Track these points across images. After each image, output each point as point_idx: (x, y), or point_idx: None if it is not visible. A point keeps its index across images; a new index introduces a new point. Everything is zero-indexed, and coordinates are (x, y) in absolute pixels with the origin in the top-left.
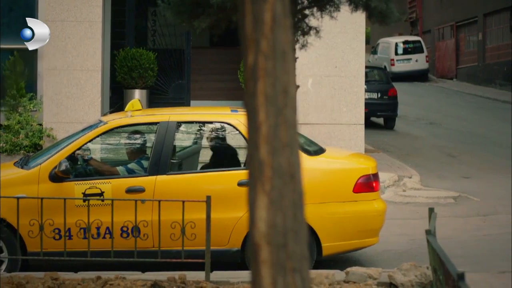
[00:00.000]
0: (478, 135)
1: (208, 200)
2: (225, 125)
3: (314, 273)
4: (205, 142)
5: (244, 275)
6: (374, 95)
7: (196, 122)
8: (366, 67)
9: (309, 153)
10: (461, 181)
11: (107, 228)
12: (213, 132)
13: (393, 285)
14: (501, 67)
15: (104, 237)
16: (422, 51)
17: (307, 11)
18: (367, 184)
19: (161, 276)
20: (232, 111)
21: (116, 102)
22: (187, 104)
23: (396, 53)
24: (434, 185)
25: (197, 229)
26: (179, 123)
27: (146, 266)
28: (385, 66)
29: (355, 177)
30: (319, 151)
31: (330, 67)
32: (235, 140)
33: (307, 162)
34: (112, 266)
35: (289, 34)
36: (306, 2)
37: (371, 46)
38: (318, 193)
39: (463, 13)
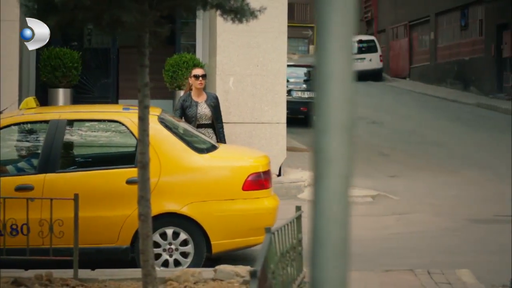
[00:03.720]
0: (418, 134)
1: (75, 198)
2: (115, 123)
3: (180, 271)
4: (95, 140)
5: (126, 273)
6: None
7: (87, 120)
8: (309, 66)
9: (198, 150)
10: (386, 180)
11: None
12: (103, 130)
13: None
14: (452, 66)
15: None
16: (376, 51)
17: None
18: (257, 182)
19: (28, 273)
20: (124, 109)
21: (43, 102)
22: (113, 102)
23: None
24: (357, 184)
25: (86, 227)
26: (69, 121)
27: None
28: None
29: (244, 175)
30: (210, 148)
31: (252, 66)
32: (124, 138)
33: (196, 160)
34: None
35: None
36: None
37: None
38: (206, 190)
39: (416, 13)
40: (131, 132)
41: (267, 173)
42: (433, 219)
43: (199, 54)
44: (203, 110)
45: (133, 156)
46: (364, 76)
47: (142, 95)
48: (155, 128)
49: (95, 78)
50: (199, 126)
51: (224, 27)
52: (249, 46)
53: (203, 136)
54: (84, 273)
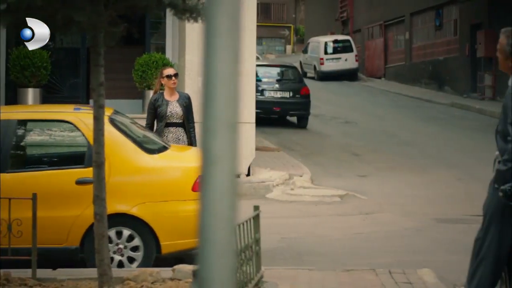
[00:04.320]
0: (391, 134)
1: (34, 197)
2: (65, 123)
3: (138, 270)
4: (45, 140)
5: (84, 273)
6: (287, 94)
7: (37, 120)
8: (280, 66)
9: (149, 151)
10: (356, 179)
11: None
12: (53, 130)
13: None
14: (426, 66)
15: None
16: (351, 50)
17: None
18: None
19: None
20: (75, 109)
21: (12, 101)
22: (83, 103)
23: (326, 52)
24: (328, 184)
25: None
26: (20, 121)
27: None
28: (315, 65)
29: (194, 175)
30: (161, 149)
31: None
32: (75, 138)
33: (146, 160)
34: None
35: None
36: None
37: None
38: (156, 191)
39: (391, 13)
40: (81, 132)
41: None
42: (400, 219)
43: (168, 54)
44: (174, 108)
45: (83, 156)
46: (339, 76)
47: (97, 95)
48: (105, 128)
49: (65, 78)
50: (169, 124)
51: (193, 26)
52: None
53: (154, 137)
54: (43, 272)
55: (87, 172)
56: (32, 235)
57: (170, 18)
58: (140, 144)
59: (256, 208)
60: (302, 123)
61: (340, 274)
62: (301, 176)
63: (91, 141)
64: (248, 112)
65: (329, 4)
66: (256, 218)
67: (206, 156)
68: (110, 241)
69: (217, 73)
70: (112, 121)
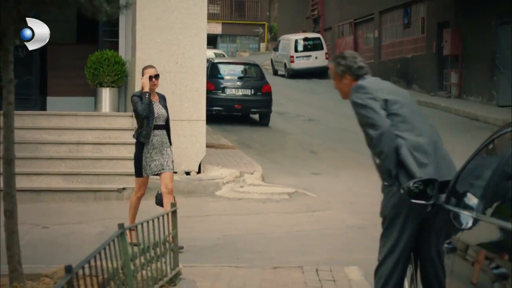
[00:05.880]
0: (352, 132)
1: None
2: None
3: (55, 267)
4: None
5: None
6: (248, 92)
7: None
8: (243, 63)
9: None
10: (308, 177)
11: None
12: None
13: None
14: (394, 64)
15: None
16: (321, 48)
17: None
18: None
19: None
20: None
21: None
22: (36, 100)
23: (296, 50)
24: (280, 182)
25: None
26: None
27: None
28: (285, 63)
29: None
30: None
31: (171, 63)
32: None
33: None
34: None
35: None
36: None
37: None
38: None
39: (361, 11)
40: None
41: None
42: (345, 217)
43: (121, 51)
44: (160, 110)
45: None
46: (309, 73)
47: (6, 92)
48: None
49: (17, 75)
50: (156, 127)
51: (144, 24)
52: (169, 43)
53: None
54: None
55: None
56: None
57: (123, 16)
58: None
59: (173, 204)
60: (264, 121)
61: (266, 272)
62: (252, 173)
63: None
64: (200, 110)
65: (302, 2)
66: (173, 214)
67: None
68: None
69: None
70: None
